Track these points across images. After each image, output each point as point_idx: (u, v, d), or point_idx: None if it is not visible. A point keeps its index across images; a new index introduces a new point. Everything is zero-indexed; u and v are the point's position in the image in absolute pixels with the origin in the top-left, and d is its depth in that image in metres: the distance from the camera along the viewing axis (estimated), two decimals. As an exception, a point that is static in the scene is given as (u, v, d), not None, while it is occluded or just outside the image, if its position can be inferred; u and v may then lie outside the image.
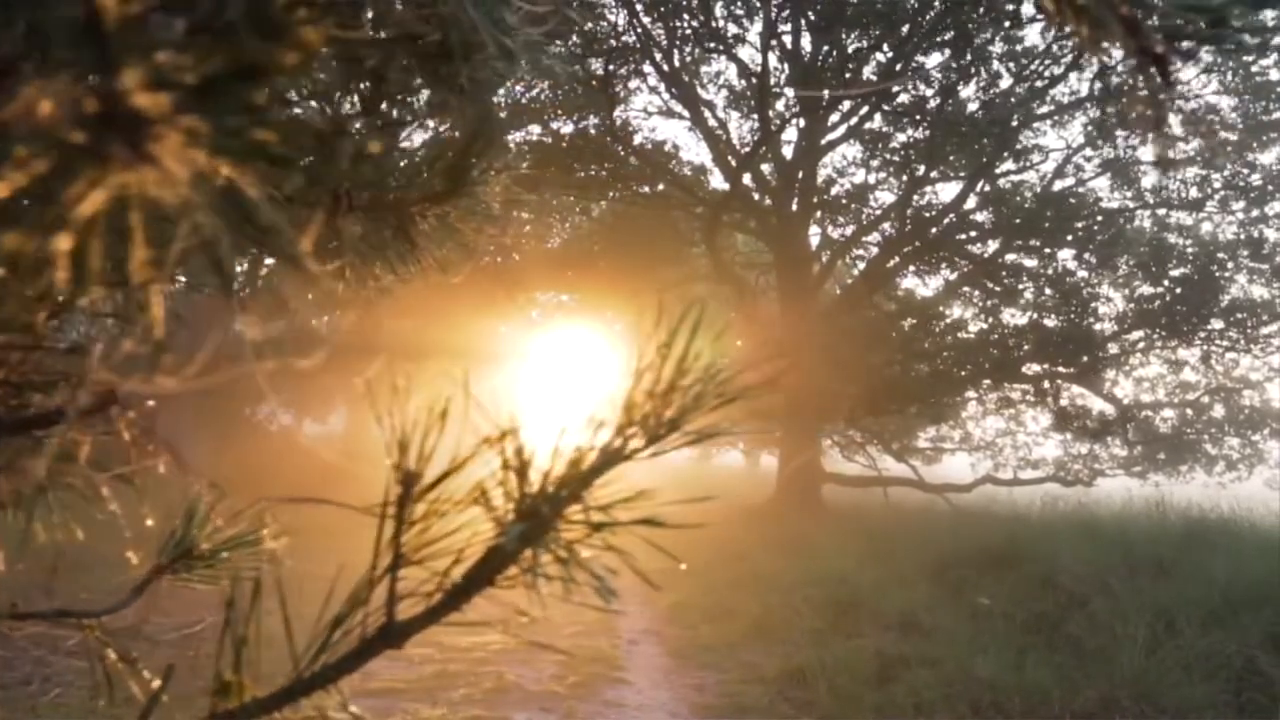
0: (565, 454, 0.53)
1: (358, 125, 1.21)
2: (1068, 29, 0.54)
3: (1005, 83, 13.47)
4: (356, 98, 1.18)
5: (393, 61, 1.03)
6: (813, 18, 12.84)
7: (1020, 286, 13.69)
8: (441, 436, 0.52)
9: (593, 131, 14.90)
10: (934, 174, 13.85)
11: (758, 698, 4.55)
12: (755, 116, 14.30)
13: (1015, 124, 12.76)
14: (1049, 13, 0.46)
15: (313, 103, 1.26)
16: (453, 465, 0.53)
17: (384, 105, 1.18)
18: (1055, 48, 13.43)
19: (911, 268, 14.52)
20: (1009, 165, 13.98)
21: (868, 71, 13.31)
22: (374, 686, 4.72)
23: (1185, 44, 0.52)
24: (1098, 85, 13.18)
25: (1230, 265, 12.44)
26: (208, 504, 0.74)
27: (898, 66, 12.69)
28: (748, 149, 14.59)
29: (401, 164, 1.21)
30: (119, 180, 0.27)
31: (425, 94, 1.16)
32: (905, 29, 12.14)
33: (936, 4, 12.12)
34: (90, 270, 0.29)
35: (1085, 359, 12.39)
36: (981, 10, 12.61)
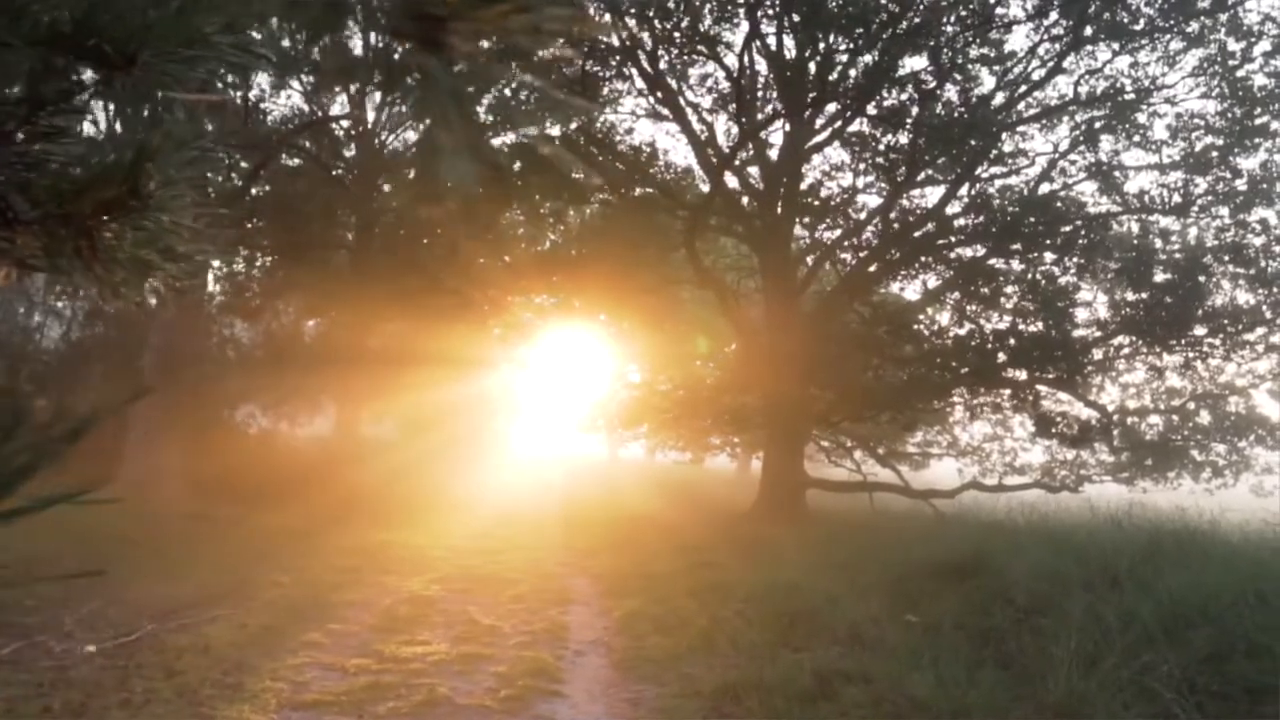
0: None
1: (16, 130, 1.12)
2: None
3: (988, 86, 13.37)
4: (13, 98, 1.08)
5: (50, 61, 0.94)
6: (796, 19, 12.75)
7: (1003, 292, 13.56)
8: None
9: (579, 136, 14.79)
10: (918, 177, 13.73)
11: (691, 713, 4.46)
12: (740, 119, 14.20)
13: (998, 128, 12.64)
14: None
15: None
16: None
17: (43, 108, 1.08)
18: (1041, 50, 13.34)
19: (895, 272, 14.40)
20: (994, 169, 13.88)
21: (852, 74, 13.22)
22: (304, 698, 4.62)
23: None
24: (1082, 89, 13.07)
25: (1214, 271, 12.30)
26: None
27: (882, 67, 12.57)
28: (731, 151, 14.49)
29: (76, 173, 1.11)
30: None
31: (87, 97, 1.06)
32: (889, 32, 12.03)
33: (921, 6, 12.03)
34: None
35: (1066, 365, 12.26)
36: (964, 12, 12.51)
